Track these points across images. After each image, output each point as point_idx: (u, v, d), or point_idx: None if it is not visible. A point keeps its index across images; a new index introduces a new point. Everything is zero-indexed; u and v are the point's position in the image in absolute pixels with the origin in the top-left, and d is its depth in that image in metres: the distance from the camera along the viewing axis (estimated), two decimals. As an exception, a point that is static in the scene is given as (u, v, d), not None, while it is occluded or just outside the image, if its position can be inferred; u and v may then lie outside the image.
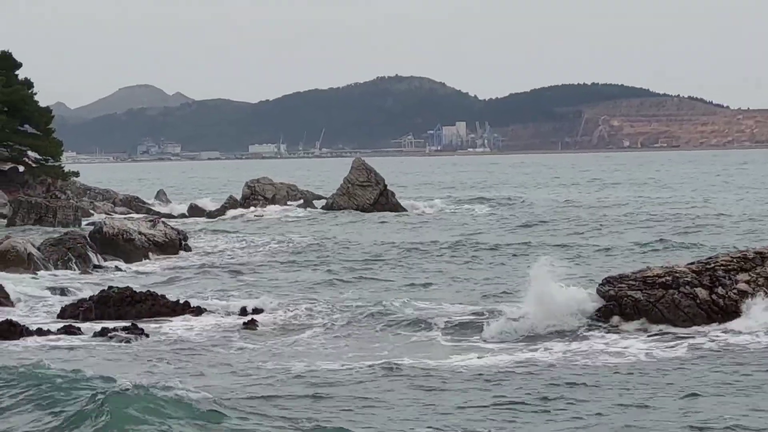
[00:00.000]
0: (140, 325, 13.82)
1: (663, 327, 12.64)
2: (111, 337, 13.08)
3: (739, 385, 9.24)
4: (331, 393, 9.11)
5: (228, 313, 15.43)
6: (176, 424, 6.70)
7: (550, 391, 8.98)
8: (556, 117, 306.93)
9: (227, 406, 7.67)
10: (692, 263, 13.84)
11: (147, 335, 13.22)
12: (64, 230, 28.51)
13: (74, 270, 22.25)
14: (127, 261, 24.28)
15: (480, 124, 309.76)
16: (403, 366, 10.50)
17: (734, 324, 12.42)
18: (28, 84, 49.31)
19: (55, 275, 21.50)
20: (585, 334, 12.66)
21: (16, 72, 49.24)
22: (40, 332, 13.49)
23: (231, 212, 43.25)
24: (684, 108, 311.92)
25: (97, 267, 23.09)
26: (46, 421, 7.11)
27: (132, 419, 6.68)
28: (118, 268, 23.11)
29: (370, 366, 10.55)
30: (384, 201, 42.76)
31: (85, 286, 19.24)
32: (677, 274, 13.01)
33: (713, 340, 11.86)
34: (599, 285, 13.73)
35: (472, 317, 14.05)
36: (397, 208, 42.68)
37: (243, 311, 15.16)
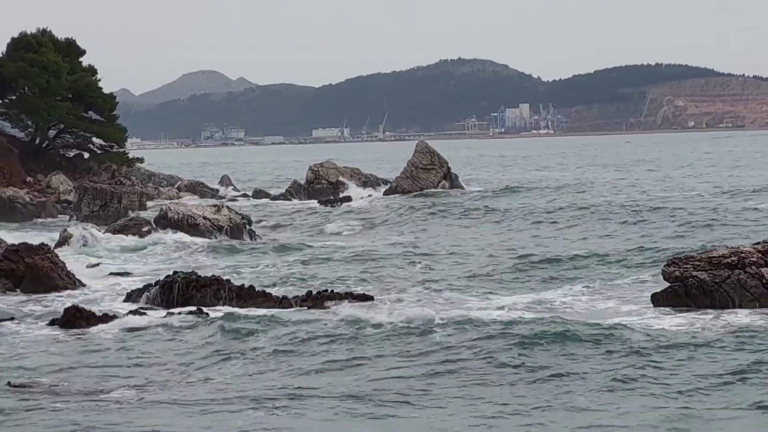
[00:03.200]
0: (205, 310, 13.59)
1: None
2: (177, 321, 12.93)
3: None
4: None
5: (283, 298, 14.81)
6: None
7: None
8: (620, 98, 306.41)
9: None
10: (758, 243, 13.89)
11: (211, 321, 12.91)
12: (129, 216, 29.22)
13: (139, 255, 23.21)
14: (192, 246, 24.57)
15: (543, 105, 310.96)
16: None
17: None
18: (92, 71, 50.12)
19: (121, 260, 21.96)
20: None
21: (80, 59, 50.20)
22: (106, 318, 13.36)
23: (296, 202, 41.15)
24: (749, 87, 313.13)
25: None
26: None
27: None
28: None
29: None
30: (448, 184, 42.47)
31: (150, 272, 19.55)
32: (743, 255, 12.98)
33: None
34: (664, 266, 13.94)
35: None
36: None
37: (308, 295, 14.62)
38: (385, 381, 9.20)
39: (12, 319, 13.61)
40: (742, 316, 11.92)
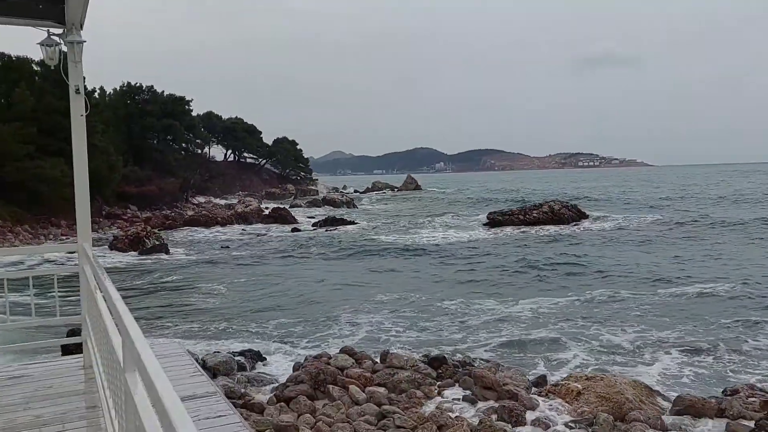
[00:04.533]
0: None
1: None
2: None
3: None
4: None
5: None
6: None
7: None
8: (475, 159, 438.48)
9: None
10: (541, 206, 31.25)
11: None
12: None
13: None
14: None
15: (445, 163, 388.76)
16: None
17: None
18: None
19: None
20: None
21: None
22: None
23: None
24: (520, 155, 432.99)
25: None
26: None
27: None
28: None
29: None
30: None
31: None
32: (534, 207, 29.86)
33: None
34: (488, 213, 31.00)
35: None
36: None
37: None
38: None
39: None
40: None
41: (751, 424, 8.12)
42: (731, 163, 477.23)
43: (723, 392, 9.83)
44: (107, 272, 4.41)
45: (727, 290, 17.93)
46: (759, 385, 10.10)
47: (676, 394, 9.57)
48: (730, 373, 11.11)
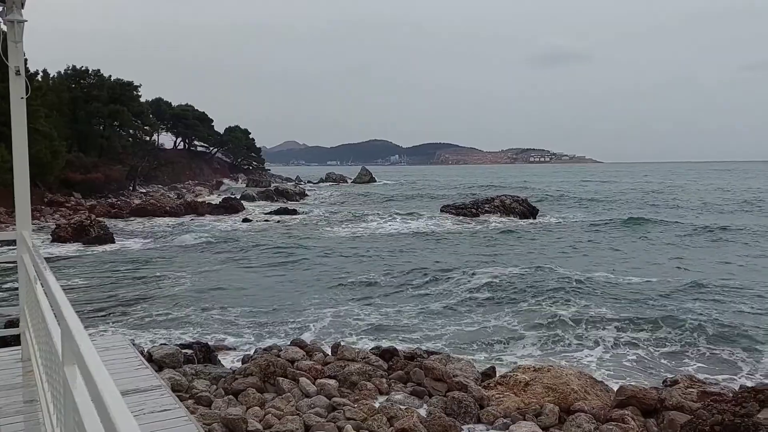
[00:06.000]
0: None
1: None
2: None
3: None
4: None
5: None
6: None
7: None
8: (428, 153, 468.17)
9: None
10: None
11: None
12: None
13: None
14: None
15: (400, 156, 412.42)
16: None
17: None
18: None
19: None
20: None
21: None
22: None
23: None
24: (472, 150, 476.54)
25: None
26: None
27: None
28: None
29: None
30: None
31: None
32: (487, 200, 36.74)
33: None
34: (442, 206, 41.82)
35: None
36: None
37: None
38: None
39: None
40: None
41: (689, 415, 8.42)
42: (680, 161, 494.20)
43: (663, 382, 10.17)
44: (47, 262, 4.24)
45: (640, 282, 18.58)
46: (698, 375, 10.50)
47: (618, 384, 9.85)
48: (669, 365, 11.51)
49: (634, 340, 12.86)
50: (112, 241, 29.15)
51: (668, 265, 22.68)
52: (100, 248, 27.65)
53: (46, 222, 36.13)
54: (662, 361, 11.69)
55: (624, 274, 20.47)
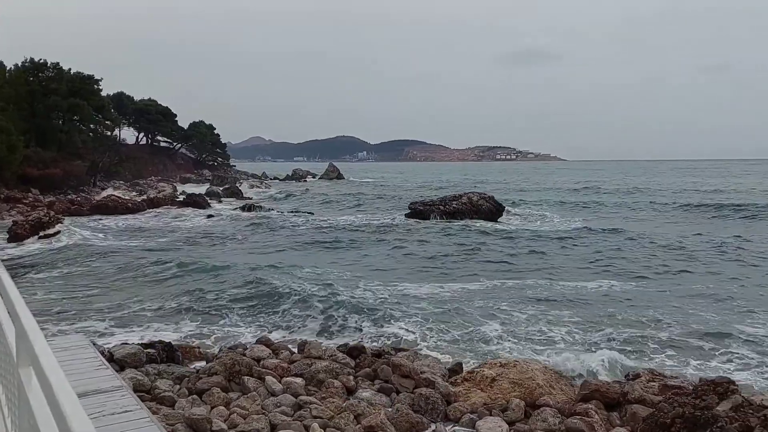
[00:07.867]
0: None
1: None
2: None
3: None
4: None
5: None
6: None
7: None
8: (396, 149, 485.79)
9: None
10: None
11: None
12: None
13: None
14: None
15: (368, 152, 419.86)
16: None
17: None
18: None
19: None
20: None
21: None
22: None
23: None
24: (440, 148, 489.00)
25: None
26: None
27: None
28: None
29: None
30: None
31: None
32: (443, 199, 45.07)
33: None
34: (410, 204, 42.52)
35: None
36: None
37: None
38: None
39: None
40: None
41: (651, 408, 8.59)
42: (644, 160, 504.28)
43: (626, 377, 10.36)
44: (1, 259, 4.09)
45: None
46: (659, 370, 10.71)
47: (583, 379, 9.99)
48: (631, 359, 11.72)
49: (595, 339, 13.06)
50: (72, 238, 28.47)
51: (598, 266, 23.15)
52: (59, 244, 26.97)
53: (2, 219, 35.08)
54: (624, 356, 11.90)
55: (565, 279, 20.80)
